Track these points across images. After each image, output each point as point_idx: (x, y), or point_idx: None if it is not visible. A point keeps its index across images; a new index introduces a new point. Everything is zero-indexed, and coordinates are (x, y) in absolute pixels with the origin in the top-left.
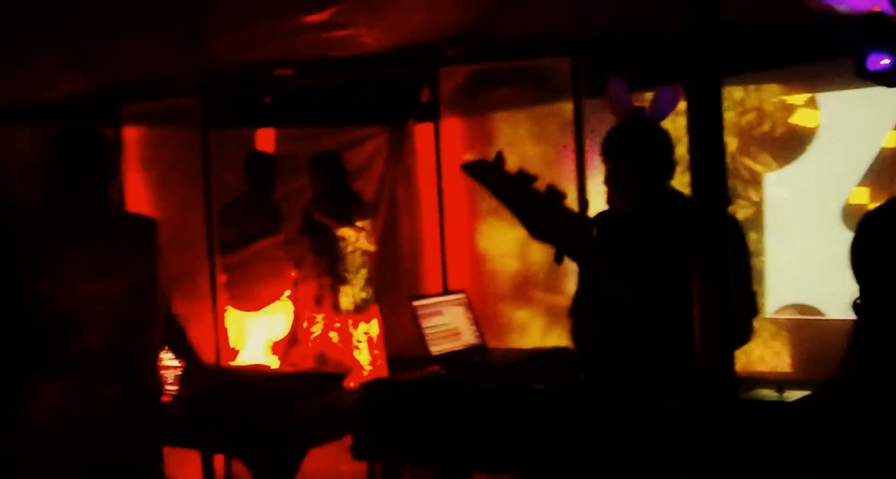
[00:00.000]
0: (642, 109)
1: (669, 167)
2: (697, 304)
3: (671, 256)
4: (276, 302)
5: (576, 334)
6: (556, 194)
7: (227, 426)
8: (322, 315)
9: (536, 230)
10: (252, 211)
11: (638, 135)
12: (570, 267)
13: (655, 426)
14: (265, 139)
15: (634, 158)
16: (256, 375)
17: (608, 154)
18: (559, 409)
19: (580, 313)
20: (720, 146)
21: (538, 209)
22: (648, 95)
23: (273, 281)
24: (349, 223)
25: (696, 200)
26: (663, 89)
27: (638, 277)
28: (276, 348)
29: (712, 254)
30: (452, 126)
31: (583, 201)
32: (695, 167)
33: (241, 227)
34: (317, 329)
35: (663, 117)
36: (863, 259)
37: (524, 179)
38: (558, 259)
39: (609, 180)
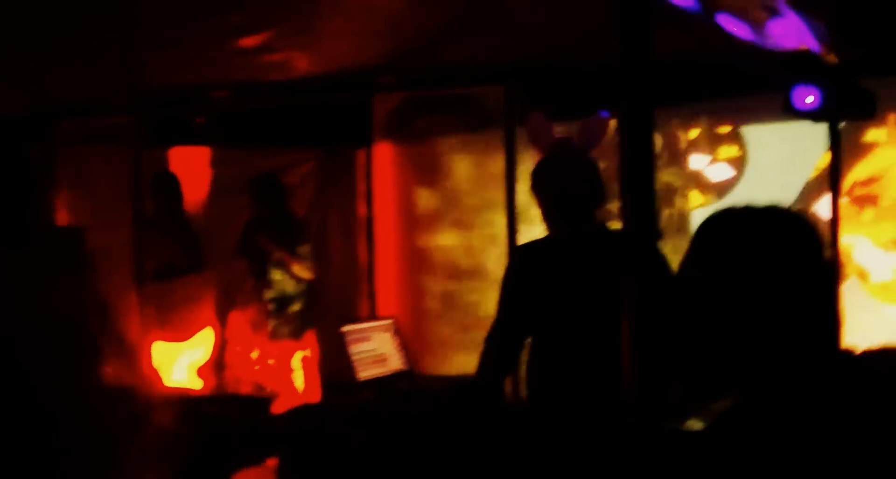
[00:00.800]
0: (570, 139)
1: (595, 197)
2: (628, 335)
3: (602, 285)
4: (202, 331)
5: (483, 360)
6: None
7: (159, 447)
8: (258, 341)
9: None
10: (165, 236)
11: (566, 165)
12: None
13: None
14: (192, 159)
15: (564, 188)
16: (181, 399)
17: (540, 185)
18: (473, 436)
19: (494, 341)
20: (651, 178)
21: None
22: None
23: (196, 311)
24: (291, 250)
25: (626, 233)
26: (592, 118)
27: (569, 306)
28: (202, 372)
29: (642, 284)
30: (385, 152)
31: (512, 229)
32: (625, 200)
33: (157, 255)
34: (254, 355)
35: (593, 147)
36: (695, 265)
37: None
38: None
39: (544, 211)
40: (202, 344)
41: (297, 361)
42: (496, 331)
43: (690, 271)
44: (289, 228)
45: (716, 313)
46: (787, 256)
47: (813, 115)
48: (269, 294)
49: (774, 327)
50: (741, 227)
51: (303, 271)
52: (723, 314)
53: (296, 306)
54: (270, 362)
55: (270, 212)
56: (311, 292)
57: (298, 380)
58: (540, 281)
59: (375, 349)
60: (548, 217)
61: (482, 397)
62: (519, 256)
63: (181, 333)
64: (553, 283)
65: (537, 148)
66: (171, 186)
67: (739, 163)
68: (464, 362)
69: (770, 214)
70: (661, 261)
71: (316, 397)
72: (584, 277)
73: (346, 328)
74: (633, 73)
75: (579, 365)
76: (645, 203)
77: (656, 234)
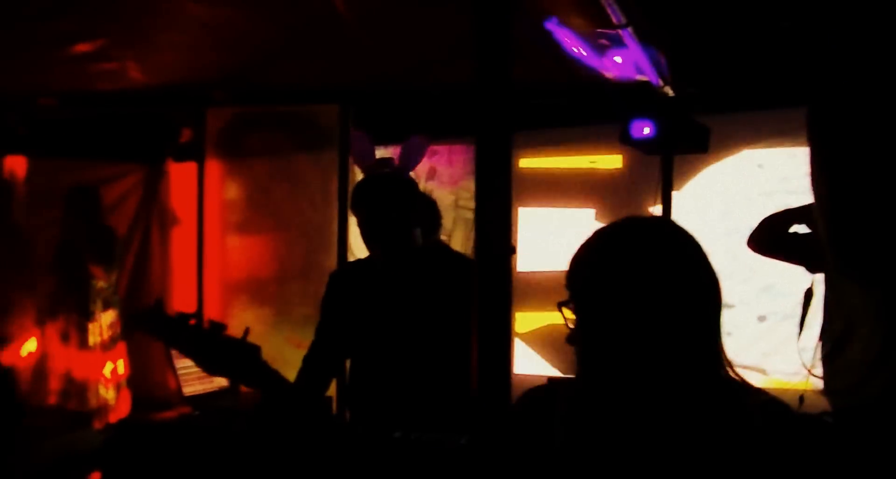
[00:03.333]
0: (390, 160)
1: (415, 217)
2: (477, 357)
3: (417, 306)
4: (24, 341)
5: (301, 379)
6: (217, 327)
7: None
8: (69, 351)
9: (210, 366)
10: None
11: (383, 186)
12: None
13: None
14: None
15: (380, 209)
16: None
17: (356, 206)
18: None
19: (311, 363)
20: (507, 202)
21: (205, 346)
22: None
23: (19, 315)
24: (104, 261)
25: (480, 255)
26: (411, 140)
27: (380, 326)
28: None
29: (493, 305)
30: (216, 168)
31: (342, 248)
32: (480, 222)
33: None
34: (62, 366)
35: (411, 168)
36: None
37: (182, 319)
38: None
39: (361, 231)
40: (24, 354)
41: (107, 372)
42: (312, 351)
43: (576, 283)
44: (104, 239)
45: (597, 326)
46: (669, 268)
47: (648, 146)
48: (80, 305)
49: (651, 342)
50: (626, 238)
51: (112, 285)
52: (603, 328)
53: (108, 318)
54: (79, 371)
55: (86, 223)
56: (124, 305)
57: (109, 393)
58: (352, 303)
59: None
60: (363, 237)
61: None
62: (333, 278)
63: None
64: (364, 304)
65: (359, 167)
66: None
67: None
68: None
69: (655, 227)
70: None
71: (125, 411)
72: (396, 298)
73: None
74: (491, 97)
75: (389, 385)
76: (500, 225)
77: (509, 254)
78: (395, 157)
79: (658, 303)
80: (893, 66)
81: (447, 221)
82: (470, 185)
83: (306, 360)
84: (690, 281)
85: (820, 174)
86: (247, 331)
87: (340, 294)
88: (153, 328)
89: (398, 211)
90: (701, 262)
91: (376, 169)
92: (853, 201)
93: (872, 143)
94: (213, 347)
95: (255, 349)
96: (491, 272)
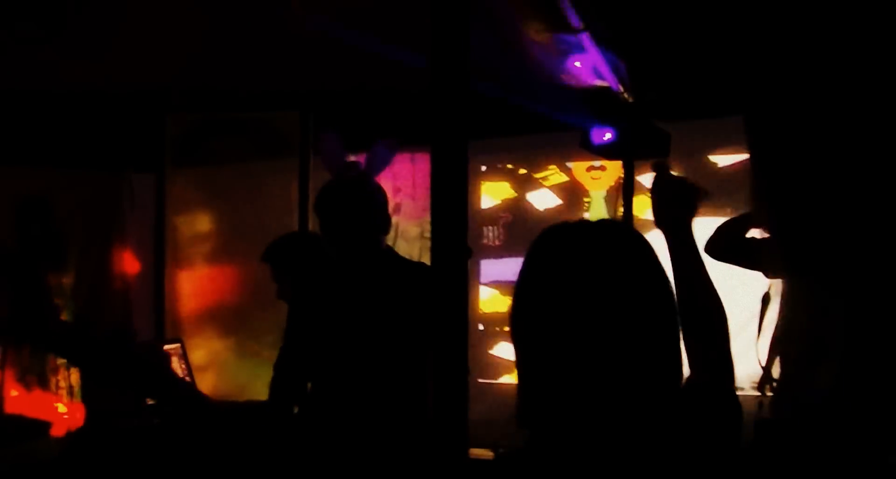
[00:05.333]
0: (357, 165)
1: (380, 224)
2: (434, 364)
3: (382, 309)
4: None
5: (275, 386)
6: (124, 334)
7: None
8: (19, 361)
9: (114, 382)
10: None
11: (349, 191)
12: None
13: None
14: None
15: (344, 213)
16: None
17: (319, 208)
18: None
19: (284, 368)
20: (463, 212)
21: (108, 358)
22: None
23: None
24: (57, 265)
25: (436, 264)
26: (378, 145)
27: (346, 328)
28: None
29: (449, 312)
30: (175, 175)
31: None
32: (436, 233)
33: None
34: (15, 374)
35: (378, 172)
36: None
37: (82, 325)
38: None
39: (323, 235)
40: None
41: (61, 382)
42: (281, 357)
43: (526, 290)
44: (56, 247)
45: (548, 332)
46: (623, 270)
47: (608, 151)
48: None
49: (607, 350)
50: (575, 241)
51: (66, 289)
52: (555, 334)
53: None
54: (28, 379)
55: (38, 234)
56: (79, 315)
57: (62, 403)
58: (317, 307)
59: None
60: (325, 240)
61: (269, 422)
62: (299, 283)
63: None
64: (328, 308)
65: (329, 170)
66: None
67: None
68: (250, 388)
69: (604, 229)
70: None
71: (79, 421)
72: (357, 303)
73: None
74: (448, 103)
75: (347, 388)
76: (455, 233)
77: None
78: (361, 162)
79: (609, 311)
80: (830, 66)
81: (413, 250)
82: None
83: (277, 366)
84: (638, 285)
85: (762, 178)
86: (153, 344)
87: (308, 298)
88: (34, 338)
89: (362, 216)
90: (647, 264)
91: (344, 172)
92: (799, 203)
93: (812, 142)
94: (117, 359)
95: (163, 360)
96: (447, 275)
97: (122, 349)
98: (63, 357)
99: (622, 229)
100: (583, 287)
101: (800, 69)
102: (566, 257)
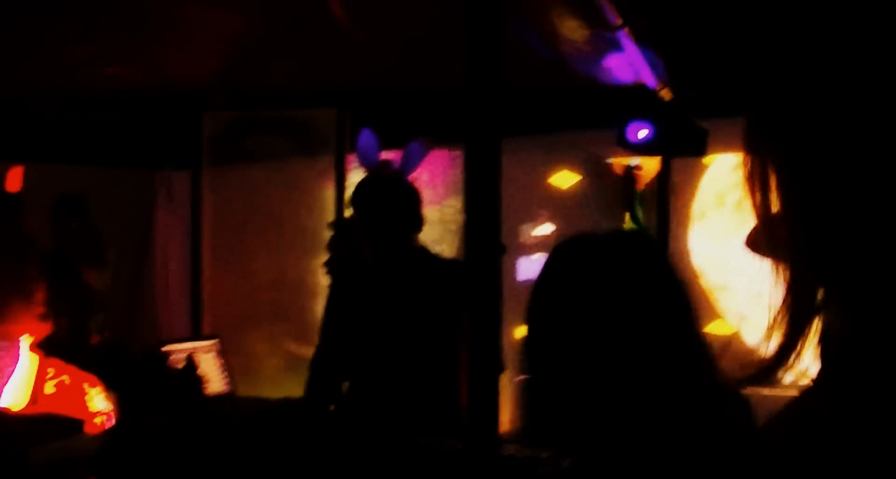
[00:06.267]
0: (390, 163)
1: (414, 221)
2: (468, 361)
3: (416, 307)
4: (23, 338)
5: (310, 384)
6: (158, 355)
7: None
8: (57, 358)
9: (148, 402)
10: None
11: (382, 188)
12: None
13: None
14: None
15: (377, 211)
16: None
17: (354, 205)
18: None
19: (319, 366)
20: (496, 206)
21: (141, 379)
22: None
23: (23, 316)
24: (97, 264)
25: (469, 260)
26: (413, 143)
27: (380, 326)
28: (21, 388)
29: (483, 310)
30: (213, 174)
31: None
32: (470, 229)
33: None
34: (51, 371)
35: (411, 171)
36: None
37: (117, 345)
38: None
39: (356, 232)
40: (25, 357)
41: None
42: (317, 355)
43: (543, 301)
44: (94, 245)
45: (569, 342)
46: (638, 279)
47: (645, 149)
48: (74, 313)
49: (628, 356)
50: (592, 253)
51: (105, 289)
52: (576, 343)
53: (96, 325)
54: (65, 377)
55: (74, 230)
56: (115, 310)
57: (99, 399)
58: (352, 304)
59: None
60: (357, 237)
61: (305, 419)
62: (335, 280)
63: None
64: (362, 306)
65: (363, 167)
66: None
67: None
68: (285, 386)
69: (618, 239)
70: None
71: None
72: (389, 300)
73: (166, 348)
74: (480, 100)
75: (384, 386)
76: (489, 229)
77: (499, 260)
78: (396, 161)
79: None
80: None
81: (434, 234)
82: (453, 201)
83: (313, 364)
84: (650, 300)
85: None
86: (190, 361)
87: (343, 295)
88: (70, 357)
89: (394, 214)
90: (663, 277)
91: (378, 170)
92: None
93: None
94: (150, 380)
95: (198, 382)
96: (481, 272)
97: (155, 372)
98: (97, 376)
99: (636, 240)
100: (597, 299)
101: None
102: (580, 272)
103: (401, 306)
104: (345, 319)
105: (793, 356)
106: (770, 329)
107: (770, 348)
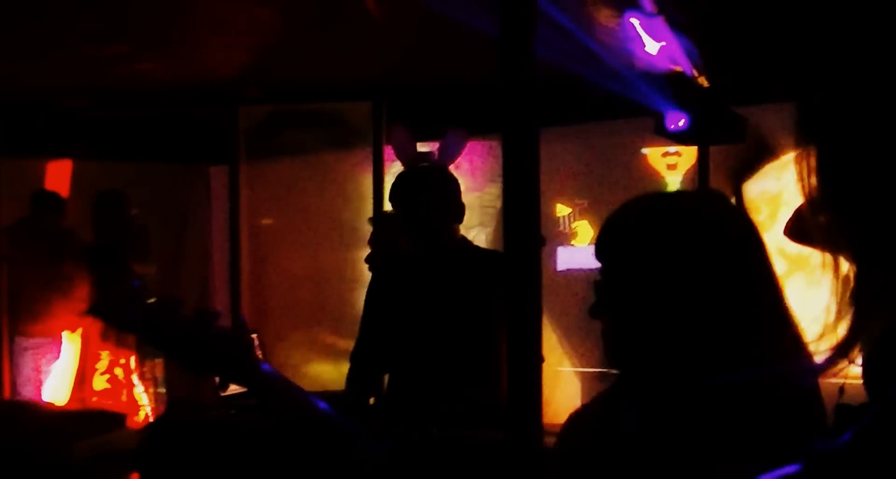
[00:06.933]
0: (430, 154)
1: (455, 212)
2: (508, 352)
3: (457, 299)
4: (66, 333)
5: (351, 377)
6: (205, 315)
7: (3, 465)
8: (107, 351)
9: (197, 366)
10: (36, 233)
11: (421, 181)
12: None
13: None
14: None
15: (417, 203)
16: (36, 411)
17: (394, 199)
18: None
19: (360, 359)
20: (536, 196)
21: (191, 341)
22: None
23: (63, 311)
24: (143, 258)
25: (508, 248)
26: (451, 134)
27: (421, 318)
28: (65, 384)
29: (522, 301)
30: (249, 168)
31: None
32: (508, 219)
33: (24, 246)
34: (101, 366)
35: (451, 162)
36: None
37: (167, 306)
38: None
39: (396, 225)
40: (66, 350)
41: (145, 372)
42: (358, 347)
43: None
44: (140, 239)
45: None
46: (718, 241)
47: (683, 137)
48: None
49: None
50: (679, 210)
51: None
52: (648, 292)
53: None
54: (118, 371)
55: (115, 225)
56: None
57: (147, 392)
58: (392, 297)
59: None
60: (405, 230)
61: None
62: (376, 272)
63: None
64: (403, 298)
65: (400, 160)
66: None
67: None
68: (323, 378)
69: (691, 198)
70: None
71: (160, 411)
72: (432, 292)
73: None
74: (515, 90)
75: (428, 378)
76: (528, 222)
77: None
78: (434, 152)
79: (701, 276)
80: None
81: (472, 219)
82: (492, 189)
83: (353, 357)
84: (737, 258)
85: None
86: (241, 321)
87: (383, 287)
88: (121, 319)
89: (434, 205)
90: (750, 240)
91: (417, 162)
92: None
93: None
94: (199, 341)
95: (249, 345)
96: (520, 264)
97: (207, 332)
98: (147, 340)
99: (724, 200)
100: (678, 252)
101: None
102: (668, 224)
103: (442, 298)
104: (385, 311)
105: (857, 347)
106: (836, 320)
107: (830, 339)
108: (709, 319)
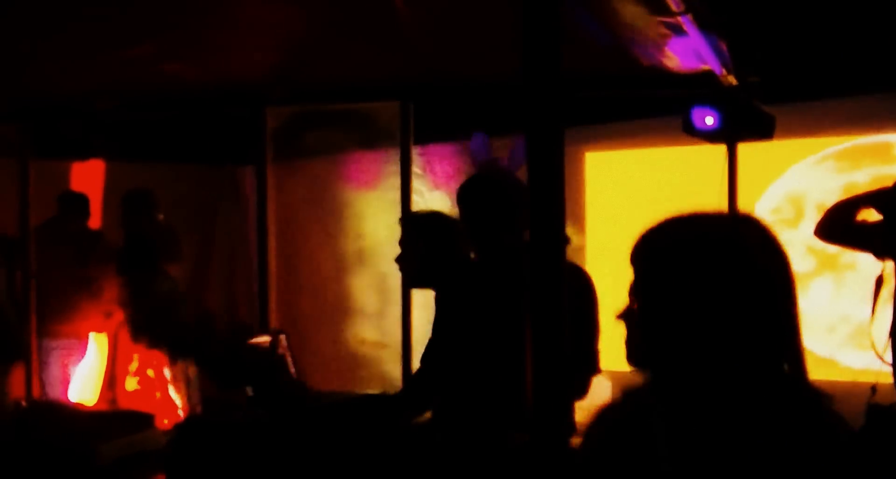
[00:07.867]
0: (498, 160)
1: (521, 218)
2: (531, 350)
3: (511, 306)
4: (93, 334)
5: (417, 377)
6: (241, 330)
7: (30, 465)
8: (139, 353)
9: (230, 381)
10: (62, 234)
11: (485, 187)
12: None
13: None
14: (87, 172)
15: (480, 209)
16: (64, 411)
17: (459, 205)
18: (389, 449)
19: (429, 361)
20: (561, 195)
21: (225, 357)
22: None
23: (90, 312)
24: (174, 258)
25: (533, 249)
26: (519, 140)
27: (478, 326)
28: (92, 384)
29: (547, 301)
30: (277, 168)
31: None
32: (535, 218)
33: (51, 247)
34: (133, 367)
35: (518, 168)
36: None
37: (200, 325)
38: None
39: (464, 229)
40: (94, 353)
41: (178, 372)
42: (428, 350)
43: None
44: (170, 240)
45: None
46: (747, 266)
47: (711, 135)
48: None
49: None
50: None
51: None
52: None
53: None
54: (150, 372)
55: (143, 226)
56: (201, 313)
57: (179, 393)
58: (458, 302)
59: None
60: (469, 237)
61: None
62: (446, 277)
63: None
64: (467, 304)
65: (473, 165)
66: (74, 203)
67: None
68: (350, 380)
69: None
70: (584, 283)
71: (196, 412)
72: (492, 298)
73: None
74: (541, 90)
75: (485, 386)
76: (553, 222)
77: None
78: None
79: (729, 295)
80: None
81: None
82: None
83: (423, 359)
84: (764, 280)
85: None
86: (275, 338)
87: (451, 292)
88: (159, 336)
89: (500, 211)
90: (779, 261)
91: (487, 168)
92: None
93: None
94: (234, 358)
95: (282, 360)
96: (544, 265)
97: (241, 348)
98: (186, 358)
99: (759, 226)
100: (710, 269)
101: None
102: (702, 251)
103: (501, 306)
104: (449, 316)
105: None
106: (871, 319)
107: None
108: (729, 341)
